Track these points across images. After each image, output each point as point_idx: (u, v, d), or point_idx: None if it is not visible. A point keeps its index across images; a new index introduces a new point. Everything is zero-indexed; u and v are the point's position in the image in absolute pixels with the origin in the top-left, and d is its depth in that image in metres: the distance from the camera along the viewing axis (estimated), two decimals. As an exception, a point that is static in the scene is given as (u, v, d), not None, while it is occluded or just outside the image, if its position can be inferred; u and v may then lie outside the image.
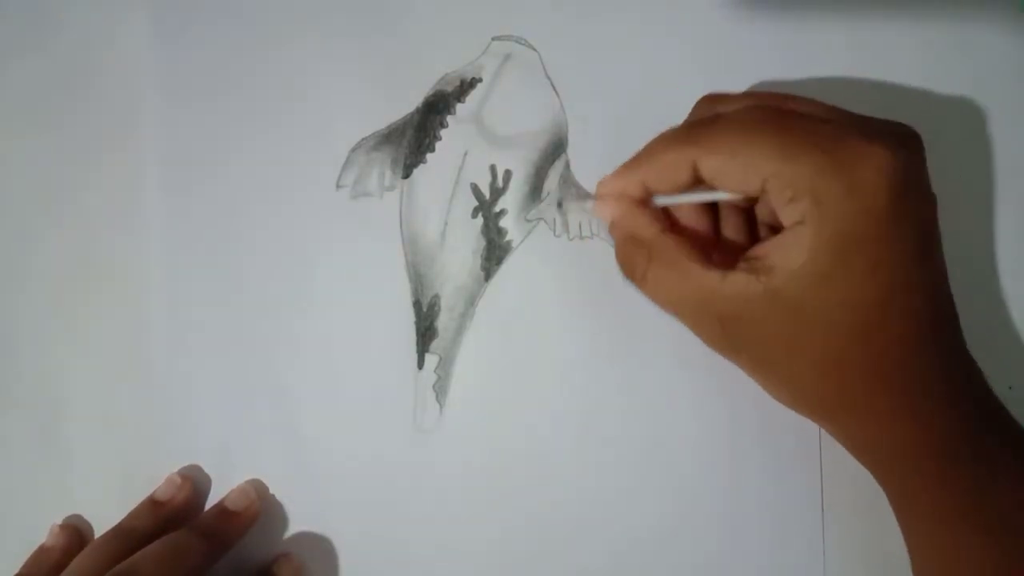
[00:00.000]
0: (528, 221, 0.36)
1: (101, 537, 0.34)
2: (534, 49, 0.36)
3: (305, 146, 0.36)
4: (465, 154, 0.36)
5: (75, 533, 0.35)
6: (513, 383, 0.35)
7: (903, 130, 0.28)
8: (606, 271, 0.35)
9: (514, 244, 0.36)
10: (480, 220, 0.36)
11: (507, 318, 0.35)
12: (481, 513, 0.35)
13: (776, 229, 0.29)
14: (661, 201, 0.30)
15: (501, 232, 0.36)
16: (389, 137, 0.36)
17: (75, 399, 0.36)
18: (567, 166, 0.36)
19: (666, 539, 0.34)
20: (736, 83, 0.31)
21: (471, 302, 0.36)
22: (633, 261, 0.30)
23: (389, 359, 0.36)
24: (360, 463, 0.35)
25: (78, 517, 0.36)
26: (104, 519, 0.35)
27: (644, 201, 0.30)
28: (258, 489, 0.35)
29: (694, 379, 0.34)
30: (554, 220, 0.36)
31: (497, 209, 0.36)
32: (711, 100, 0.31)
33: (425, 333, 0.36)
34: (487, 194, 0.36)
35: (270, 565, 0.35)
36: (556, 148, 0.36)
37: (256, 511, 0.35)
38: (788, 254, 0.26)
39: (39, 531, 0.35)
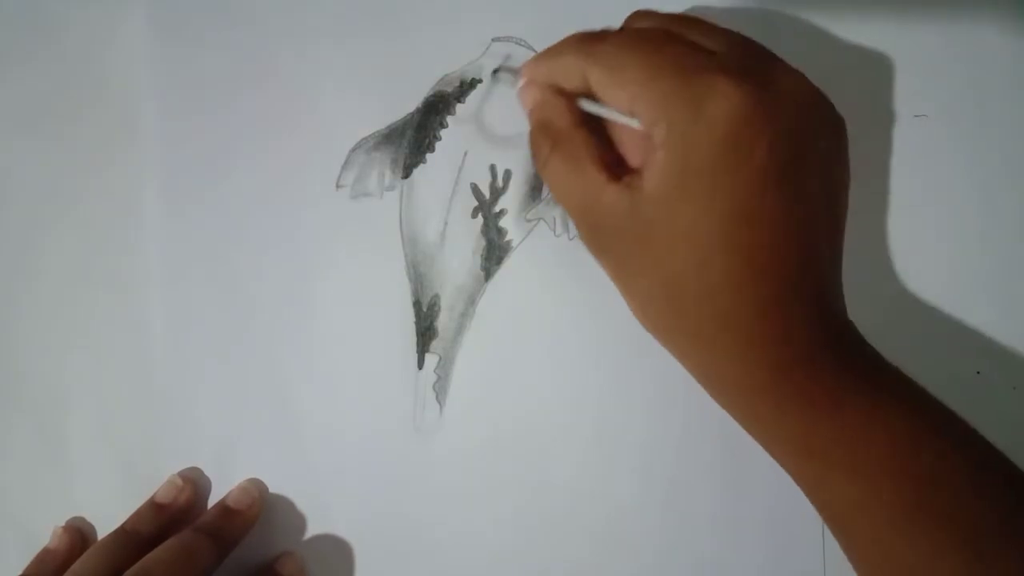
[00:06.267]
0: (528, 221, 0.36)
1: (104, 539, 0.34)
2: (534, 50, 0.36)
3: (305, 146, 0.36)
4: (465, 154, 0.36)
5: (78, 535, 0.35)
6: (513, 383, 0.35)
7: (775, 74, 0.28)
8: (606, 271, 0.35)
9: (514, 244, 0.36)
10: (480, 220, 0.36)
11: (507, 318, 0.35)
12: (481, 512, 0.35)
13: None
14: (585, 106, 0.31)
15: (501, 232, 0.36)
16: (389, 137, 0.36)
17: (75, 399, 0.36)
18: (567, 166, 0.36)
19: (666, 539, 0.34)
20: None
21: (471, 302, 0.36)
22: (540, 147, 0.31)
23: (389, 359, 0.36)
24: (360, 463, 0.35)
25: (81, 519, 0.36)
26: (105, 519, 0.35)
27: (568, 94, 0.31)
28: (258, 487, 0.35)
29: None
30: (554, 220, 0.36)
31: (497, 209, 0.36)
32: (637, 16, 0.32)
33: (425, 333, 0.36)
34: (487, 194, 0.36)
35: (272, 563, 0.35)
36: (556, 148, 0.36)
37: (258, 509, 0.35)
38: (650, 175, 0.28)
39: (39, 532, 0.35)
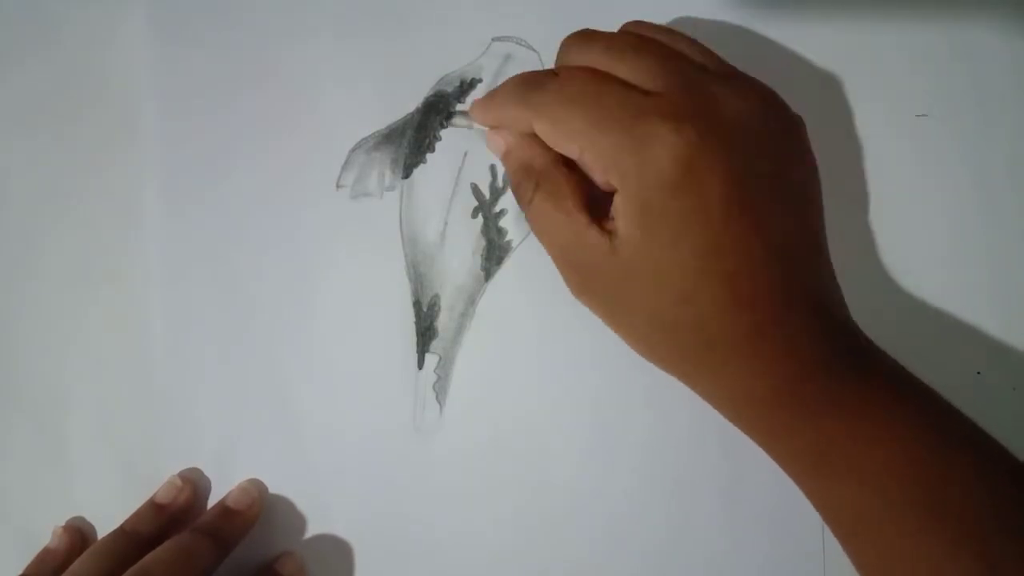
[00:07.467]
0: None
1: (103, 539, 0.34)
2: (534, 50, 0.36)
3: (305, 146, 0.36)
4: (465, 154, 0.36)
5: (78, 535, 0.35)
6: (513, 383, 0.35)
7: (716, 100, 0.28)
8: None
9: (514, 244, 0.36)
10: (480, 220, 0.36)
11: (507, 318, 0.35)
12: (481, 512, 0.35)
13: None
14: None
15: (501, 232, 0.36)
16: (389, 137, 0.36)
17: (75, 399, 0.36)
18: (567, 166, 0.36)
19: (667, 539, 0.34)
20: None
21: (471, 302, 0.36)
22: (524, 188, 0.31)
23: (389, 359, 0.36)
24: (360, 463, 0.35)
25: (81, 519, 0.36)
26: (104, 519, 0.35)
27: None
28: (258, 488, 0.35)
29: (694, 379, 0.34)
30: (554, 220, 0.36)
31: (497, 209, 0.36)
32: (570, 47, 0.31)
33: (425, 333, 0.36)
34: (487, 194, 0.36)
35: (272, 563, 0.35)
36: (556, 148, 0.36)
37: (258, 510, 0.35)
38: (617, 218, 0.28)
39: (39, 532, 0.35)
